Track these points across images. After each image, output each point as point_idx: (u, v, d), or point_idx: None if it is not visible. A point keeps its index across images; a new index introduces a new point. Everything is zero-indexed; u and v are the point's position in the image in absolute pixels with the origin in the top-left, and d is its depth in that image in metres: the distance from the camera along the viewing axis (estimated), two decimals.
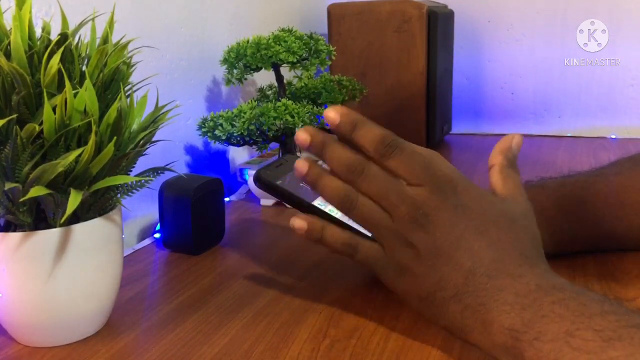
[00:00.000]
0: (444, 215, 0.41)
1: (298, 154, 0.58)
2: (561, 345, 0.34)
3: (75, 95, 0.41)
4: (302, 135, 0.44)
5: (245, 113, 0.77)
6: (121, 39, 0.47)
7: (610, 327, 0.33)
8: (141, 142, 0.47)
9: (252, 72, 0.85)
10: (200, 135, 0.80)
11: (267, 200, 0.83)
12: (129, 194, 0.49)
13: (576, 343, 0.33)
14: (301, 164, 0.44)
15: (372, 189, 0.42)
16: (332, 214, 0.47)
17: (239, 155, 1.02)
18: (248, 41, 0.84)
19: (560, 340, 0.34)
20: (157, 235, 0.71)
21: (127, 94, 0.47)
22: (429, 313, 0.42)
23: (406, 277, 0.42)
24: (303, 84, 0.91)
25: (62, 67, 0.41)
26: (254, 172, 0.81)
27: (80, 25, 0.47)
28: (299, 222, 0.45)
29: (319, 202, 0.48)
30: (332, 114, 0.43)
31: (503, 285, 0.38)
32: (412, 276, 0.41)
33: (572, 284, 0.39)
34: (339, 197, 0.43)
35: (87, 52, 0.47)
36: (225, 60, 0.84)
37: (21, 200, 0.40)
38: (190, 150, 0.89)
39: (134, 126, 0.47)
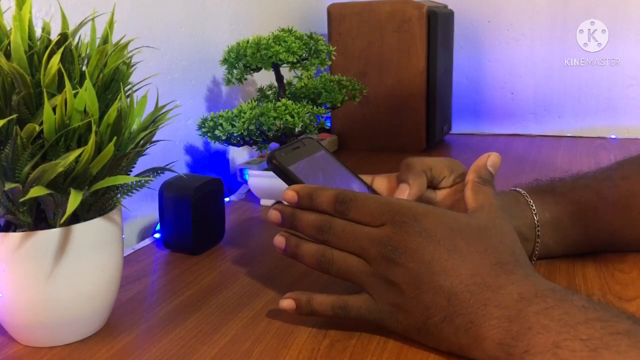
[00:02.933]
0: (411, 245, 0.42)
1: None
2: (550, 358, 0.34)
3: (75, 95, 0.41)
4: (273, 214, 0.47)
5: (245, 113, 0.77)
6: (121, 39, 0.47)
7: (596, 336, 0.34)
8: (141, 142, 0.47)
9: (252, 72, 0.85)
10: (200, 135, 0.80)
11: (267, 200, 0.83)
12: (129, 194, 0.49)
13: (564, 355, 0.34)
14: (279, 240, 0.47)
15: (343, 241, 0.44)
16: None
17: (239, 155, 1.02)
18: (248, 41, 0.84)
19: (548, 353, 0.34)
20: (157, 235, 0.71)
21: (127, 94, 0.47)
22: (430, 342, 0.42)
23: (399, 315, 0.43)
24: (303, 84, 0.91)
25: (62, 67, 0.41)
26: (254, 172, 0.81)
27: (80, 25, 0.47)
28: (286, 302, 0.46)
29: None
30: (289, 194, 0.46)
31: (486, 299, 0.39)
32: (403, 312, 0.42)
33: (554, 287, 0.39)
34: (316, 258, 0.45)
35: (87, 52, 0.47)
36: (225, 60, 0.84)
37: (21, 200, 0.40)
38: (190, 150, 0.89)
39: (134, 126, 0.47)
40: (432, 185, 0.54)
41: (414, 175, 0.52)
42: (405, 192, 0.51)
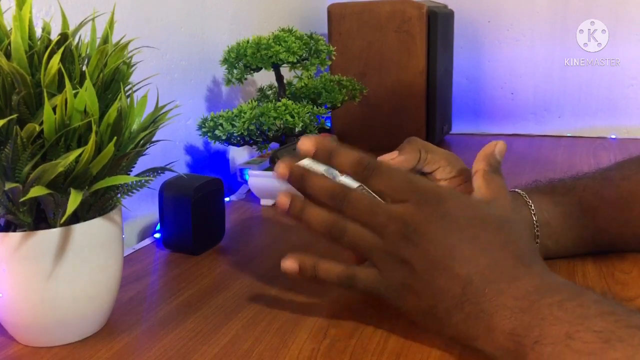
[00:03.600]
0: (433, 227, 0.41)
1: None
2: (562, 348, 0.34)
3: (75, 95, 0.41)
4: (281, 168, 0.44)
5: (245, 113, 0.77)
6: (121, 39, 0.47)
7: (609, 328, 0.33)
8: (141, 142, 0.47)
9: (252, 72, 0.85)
10: (200, 135, 0.80)
11: (267, 200, 0.83)
12: (129, 194, 0.49)
13: (576, 345, 0.33)
14: (283, 199, 0.44)
15: (358, 213, 0.42)
16: None
17: (239, 155, 1.02)
18: (248, 41, 0.84)
19: (560, 343, 0.34)
20: (157, 235, 0.71)
21: (127, 94, 0.47)
22: (434, 326, 0.42)
23: (407, 295, 0.42)
24: (303, 84, 0.91)
25: (62, 67, 0.41)
26: (254, 172, 0.81)
27: (81, 25, 0.47)
28: (288, 263, 0.45)
29: None
30: (306, 143, 0.44)
31: (501, 289, 0.39)
32: (412, 293, 0.41)
33: (569, 283, 0.39)
34: (326, 226, 0.43)
35: (87, 52, 0.47)
36: (225, 60, 0.84)
37: (21, 200, 0.40)
38: (190, 150, 0.89)
39: (134, 126, 0.47)
40: (425, 170, 0.52)
41: (408, 148, 0.51)
42: (391, 156, 0.50)
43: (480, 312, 0.38)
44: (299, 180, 0.44)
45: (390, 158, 0.51)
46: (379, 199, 0.43)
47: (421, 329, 0.43)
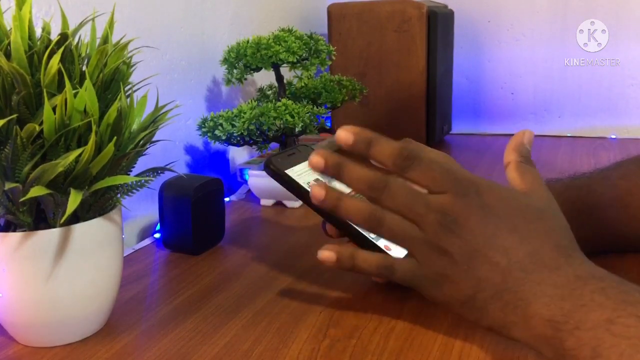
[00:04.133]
0: (473, 217, 0.40)
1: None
2: (602, 333, 0.34)
3: (75, 95, 0.41)
4: (316, 159, 0.43)
5: (245, 113, 0.77)
6: (121, 39, 0.47)
7: None
8: (141, 142, 0.47)
9: (252, 72, 0.85)
10: (200, 135, 0.80)
11: (267, 200, 0.83)
12: (129, 194, 0.49)
13: (617, 330, 0.33)
14: (317, 190, 0.44)
15: (397, 203, 0.42)
16: None
17: (239, 155, 1.02)
18: (248, 41, 0.84)
19: (600, 328, 0.34)
20: (157, 235, 0.71)
21: (127, 94, 0.47)
22: (472, 316, 0.41)
23: (445, 285, 0.41)
24: (303, 84, 0.91)
25: (62, 67, 0.41)
26: (254, 172, 0.81)
27: (81, 25, 0.47)
28: (326, 253, 0.45)
29: None
30: (344, 133, 0.43)
31: (541, 278, 0.38)
32: (450, 283, 0.41)
33: (609, 273, 0.39)
34: (364, 216, 0.43)
35: (87, 52, 0.47)
36: (225, 60, 0.84)
37: (21, 200, 0.40)
38: (190, 150, 0.89)
39: (134, 126, 0.47)
40: None
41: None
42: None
43: (519, 301, 0.38)
44: (336, 168, 0.43)
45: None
46: (419, 189, 0.42)
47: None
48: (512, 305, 0.39)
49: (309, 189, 0.49)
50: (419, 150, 0.43)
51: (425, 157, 0.42)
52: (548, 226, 0.42)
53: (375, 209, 0.42)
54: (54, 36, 0.43)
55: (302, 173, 0.50)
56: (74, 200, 0.39)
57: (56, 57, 0.41)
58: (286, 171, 0.49)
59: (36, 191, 0.39)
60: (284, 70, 0.87)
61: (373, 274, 0.45)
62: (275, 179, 0.50)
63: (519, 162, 0.45)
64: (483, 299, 0.40)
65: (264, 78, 1.00)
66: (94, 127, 0.41)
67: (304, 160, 0.52)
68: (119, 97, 0.44)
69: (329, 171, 0.43)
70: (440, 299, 0.42)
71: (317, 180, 0.50)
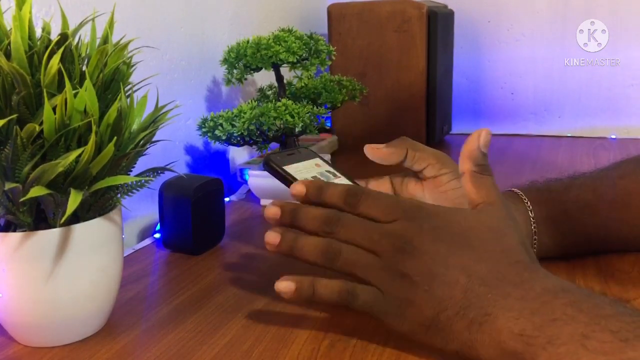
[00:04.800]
0: (426, 239, 0.41)
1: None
2: (577, 348, 0.33)
3: (75, 95, 0.41)
4: (272, 210, 0.44)
5: (245, 113, 0.77)
6: (121, 39, 0.47)
7: (626, 328, 0.33)
8: (141, 142, 0.47)
9: (252, 72, 0.85)
10: (200, 135, 0.80)
11: (267, 201, 0.83)
12: (129, 194, 0.49)
13: (592, 345, 0.33)
14: (272, 236, 0.44)
15: (352, 234, 0.42)
16: None
17: (239, 155, 1.02)
18: (248, 41, 0.84)
19: (575, 343, 0.33)
20: (157, 235, 0.71)
21: (127, 94, 0.47)
22: (438, 342, 0.40)
23: (408, 311, 0.41)
24: (303, 84, 0.91)
25: (62, 67, 0.41)
26: (254, 172, 0.81)
27: (81, 25, 0.47)
28: (284, 284, 0.43)
29: None
30: (298, 187, 0.45)
31: (506, 292, 0.38)
32: (412, 307, 0.40)
33: (577, 286, 0.38)
34: (321, 249, 0.42)
35: (87, 52, 0.47)
36: (225, 60, 0.84)
37: (21, 200, 0.40)
38: (190, 150, 0.89)
39: (134, 126, 0.47)
40: (415, 168, 0.53)
41: (395, 144, 0.52)
42: (378, 146, 0.52)
43: (485, 316, 0.38)
44: (292, 213, 0.44)
45: (377, 148, 0.52)
46: (371, 221, 0.43)
47: (426, 349, 0.42)
48: (477, 322, 0.38)
49: None
50: (363, 188, 0.44)
51: (371, 192, 0.44)
52: (504, 244, 0.41)
53: (331, 242, 0.42)
54: (54, 36, 0.43)
55: (301, 171, 0.51)
56: (74, 200, 0.39)
57: (56, 57, 0.41)
58: (285, 167, 0.50)
59: (36, 191, 0.39)
60: (284, 71, 0.87)
61: (333, 301, 0.42)
62: (273, 175, 0.50)
63: (473, 173, 0.44)
64: (446, 318, 0.39)
65: (264, 78, 1.00)
66: (94, 127, 0.41)
67: (303, 160, 0.52)
68: (119, 97, 0.44)
69: (286, 218, 0.44)
70: (404, 327, 0.41)
71: (314, 178, 0.50)
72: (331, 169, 0.54)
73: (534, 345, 0.35)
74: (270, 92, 0.93)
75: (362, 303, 0.42)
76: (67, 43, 0.43)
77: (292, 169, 0.50)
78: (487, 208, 0.43)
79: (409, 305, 0.40)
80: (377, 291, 0.42)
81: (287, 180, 0.49)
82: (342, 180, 0.53)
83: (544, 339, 0.35)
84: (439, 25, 1.13)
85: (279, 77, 0.87)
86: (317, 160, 0.54)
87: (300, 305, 0.51)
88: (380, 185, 0.55)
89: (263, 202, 0.83)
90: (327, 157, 0.87)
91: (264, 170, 0.50)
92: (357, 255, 0.42)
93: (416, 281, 0.40)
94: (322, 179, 0.51)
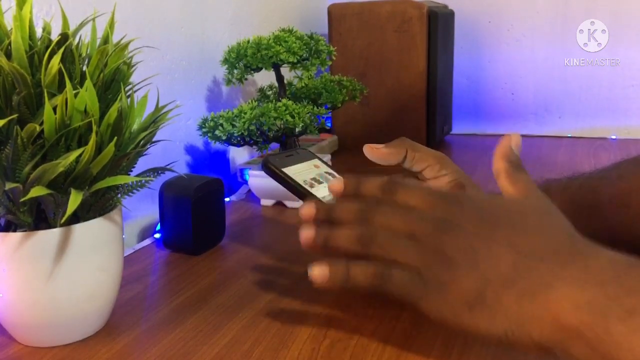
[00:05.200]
0: (468, 218, 0.39)
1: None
2: None
3: (75, 95, 0.41)
4: (308, 207, 0.43)
5: (245, 113, 0.77)
6: (121, 39, 0.47)
7: None
8: (142, 142, 0.47)
9: (252, 72, 0.85)
10: (200, 135, 0.80)
11: (267, 200, 0.83)
12: (129, 194, 0.49)
13: None
14: (306, 231, 0.42)
15: (390, 220, 0.40)
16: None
17: (239, 155, 1.02)
18: (248, 41, 0.84)
19: None
20: (157, 235, 0.71)
21: (127, 94, 0.47)
22: (484, 321, 0.36)
23: (449, 290, 0.37)
24: (303, 84, 0.91)
25: (62, 67, 0.41)
26: (254, 172, 0.81)
27: (81, 25, 0.47)
28: (318, 270, 0.41)
29: (322, 196, 0.49)
30: (336, 182, 0.44)
31: (564, 262, 0.34)
32: (454, 285, 0.37)
33: None
34: (356, 234, 0.41)
35: (88, 52, 0.47)
36: (225, 61, 0.84)
37: (22, 200, 0.40)
38: (190, 150, 0.89)
39: (135, 126, 0.47)
40: (414, 169, 0.53)
41: (394, 144, 0.52)
42: (377, 146, 0.51)
43: (540, 286, 0.34)
44: (326, 210, 0.43)
45: (376, 148, 0.52)
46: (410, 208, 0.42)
47: (471, 335, 0.37)
48: (529, 294, 0.34)
49: (305, 186, 0.49)
50: (402, 179, 0.44)
51: (412, 182, 0.43)
52: (553, 221, 0.39)
53: (365, 228, 0.41)
54: (55, 36, 0.43)
55: (300, 172, 0.51)
56: (74, 200, 0.39)
57: (57, 57, 0.41)
58: (283, 169, 0.50)
59: (36, 191, 0.39)
60: (284, 71, 0.87)
61: (368, 284, 0.40)
62: (272, 177, 0.50)
63: (508, 170, 0.43)
64: (493, 292, 0.35)
65: (264, 78, 1.00)
66: (94, 127, 0.41)
67: (301, 162, 0.52)
68: (119, 97, 0.44)
69: (321, 213, 0.43)
70: (444, 310, 0.38)
71: (314, 179, 0.50)
72: (330, 170, 0.54)
73: (608, 316, 0.31)
74: (270, 92, 0.93)
75: (398, 285, 0.39)
76: (67, 43, 0.43)
77: (291, 170, 0.50)
78: (529, 198, 0.41)
79: (450, 284, 0.37)
80: (414, 274, 0.39)
81: (286, 182, 0.50)
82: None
83: (620, 309, 0.31)
84: (439, 26, 1.13)
85: (280, 77, 0.87)
86: (316, 162, 0.54)
87: (303, 300, 0.51)
88: None
89: (263, 202, 0.83)
90: (327, 157, 0.87)
91: (263, 172, 0.51)
92: (395, 239, 0.40)
93: (457, 258, 0.37)
94: (321, 180, 0.51)
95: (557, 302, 0.33)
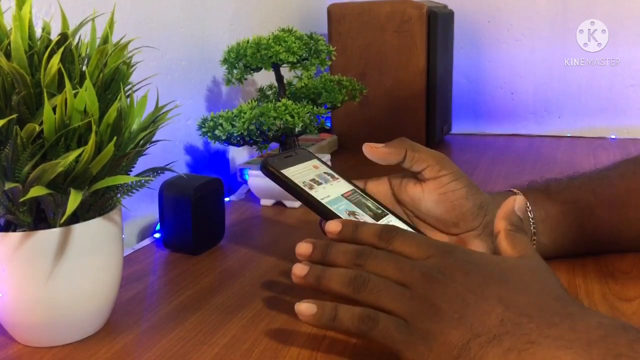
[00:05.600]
0: (460, 271, 0.39)
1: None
2: None
3: (75, 95, 0.41)
4: (303, 246, 0.44)
5: (245, 113, 0.77)
6: (121, 39, 0.47)
7: None
8: (141, 142, 0.47)
9: (252, 72, 0.85)
10: (200, 135, 0.80)
11: (267, 200, 0.83)
12: (129, 194, 0.49)
13: None
14: (299, 267, 0.43)
15: (383, 267, 0.41)
16: (334, 209, 0.48)
17: (239, 155, 1.02)
18: (248, 41, 0.84)
19: None
20: (157, 235, 0.71)
21: (127, 94, 0.47)
22: None
23: (435, 341, 0.37)
24: (303, 84, 0.91)
25: (62, 67, 0.41)
26: (254, 172, 0.81)
27: (81, 25, 0.47)
28: (305, 306, 0.41)
29: (321, 198, 0.49)
30: (333, 224, 0.45)
31: (551, 322, 0.35)
32: (441, 336, 0.37)
33: (629, 323, 0.35)
34: (348, 277, 0.41)
35: (87, 52, 0.47)
36: (225, 61, 0.84)
37: (21, 200, 0.40)
38: (190, 150, 0.89)
39: (134, 126, 0.47)
40: (414, 169, 0.53)
41: (394, 144, 0.52)
42: (377, 145, 0.52)
43: (527, 344, 0.34)
44: (323, 248, 0.43)
45: (375, 147, 0.52)
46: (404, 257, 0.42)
47: None
48: (516, 350, 0.34)
49: (305, 188, 0.49)
50: (398, 227, 0.44)
51: (407, 230, 0.44)
52: (545, 282, 0.39)
53: (359, 272, 0.41)
54: (54, 36, 0.43)
55: (299, 174, 0.51)
56: (74, 200, 0.39)
57: (56, 57, 0.41)
58: (282, 171, 0.50)
59: (36, 191, 0.39)
60: (284, 71, 0.87)
61: (354, 327, 0.39)
62: (272, 179, 0.50)
63: (508, 231, 0.43)
64: (478, 346, 0.35)
65: (264, 78, 1.00)
66: (94, 127, 0.41)
67: (301, 162, 0.52)
68: (119, 97, 0.44)
69: (317, 253, 0.44)
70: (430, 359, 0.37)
71: (313, 180, 0.50)
72: (329, 171, 0.54)
73: None
74: (270, 92, 0.93)
75: (384, 331, 0.38)
76: (67, 43, 0.43)
77: (290, 172, 0.50)
78: (525, 258, 0.42)
79: (437, 334, 0.37)
80: (401, 320, 0.39)
81: (285, 184, 0.49)
82: (340, 181, 0.53)
83: None
84: (439, 25, 1.13)
85: (279, 77, 0.87)
86: (315, 162, 0.54)
87: (304, 297, 0.51)
88: (379, 186, 0.55)
89: (263, 202, 0.83)
90: (327, 157, 0.87)
91: (262, 173, 0.50)
92: (385, 285, 0.40)
93: (445, 308, 0.37)
94: (320, 181, 0.51)
95: None
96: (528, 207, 0.55)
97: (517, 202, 0.45)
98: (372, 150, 0.53)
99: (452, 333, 0.37)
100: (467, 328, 0.36)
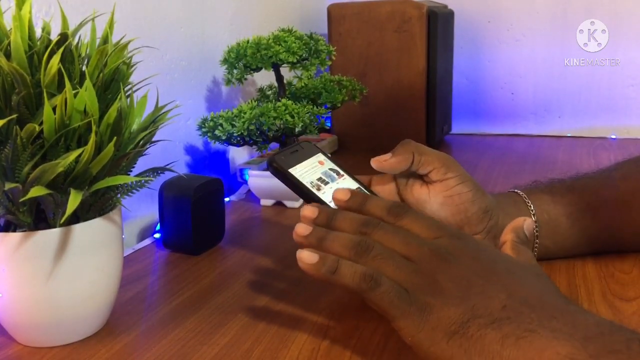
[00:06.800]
0: (469, 254, 0.39)
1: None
2: None
3: (75, 95, 0.41)
4: (309, 208, 0.43)
5: (245, 113, 0.77)
6: (121, 39, 0.47)
7: None
8: (141, 142, 0.47)
9: (252, 72, 0.85)
10: (200, 135, 0.80)
11: (267, 201, 0.83)
12: (129, 194, 0.49)
13: None
14: (302, 226, 0.42)
15: (390, 238, 0.40)
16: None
17: (239, 155, 1.02)
18: (248, 41, 0.84)
19: None
20: (157, 235, 0.71)
21: (127, 94, 0.47)
22: (459, 352, 0.35)
23: (432, 314, 0.37)
24: (303, 84, 0.91)
25: (62, 67, 0.41)
26: (254, 172, 0.81)
27: (81, 25, 0.47)
28: (307, 253, 0.40)
29: (329, 200, 0.49)
30: (341, 192, 0.45)
31: (553, 314, 0.35)
32: (440, 310, 0.37)
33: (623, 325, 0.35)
34: (353, 241, 0.40)
35: (87, 52, 0.47)
36: (225, 61, 0.84)
37: (21, 200, 0.40)
38: (190, 150, 0.89)
39: (134, 126, 0.47)
40: (420, 172, 0.52)
41: (401, 150, 0.51)
42: (384, 157, 0.51)
43: (525, 332, 0.34)
44: (328, 214, 0.43)
45: (384, 160, 0.51)
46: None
47: None
48: (514, 337, 0.34)
49: (313, 189, 0.49)
50: (408, 206, 0.44)
51: (417, 211, 0.43)
52: (548, 283, 0.40)
53: (364, 238, 0.41)
54: (54, 36, 0.43)
55: (305, 172, 0.50)
56: (74, 200, 0.39)
57: (56, 57, 0.41)
58: (289, 170, 0.49)
59: (36, 191, 0.39)
60: (284, 71, 0.87)
61: (354, 284, 0.38)
62: (278, 178, 0.50)
63: (514, 242, 0.44)
64: (477, 327, 0.35)
65: (264, 78, 1.00)
66: (94, 127, 0.41)
67: (307, 158, 0.52)
68: (119, 97, 0.44)
69: (322, 217, 0.43)
70: (420, 333, 0.37)
71: (320, 179, 0.50)
72: (335, 167, 0.53)
73: None
74: (270, 92, 0.93)
75: (384, 293, 0.37)
76: (67, 43, 0.43)
77: (296, 171, 0.50)
78: (529, 265, 0.42)
79: (436, 308, 0.37)
80: (402, 290, 0.38)
81: (293, 184, 0.49)
82: (346, 178, 0.53)
83: None
84: (439, 26, 1.13)
85: (279, 77, 0.87)
86: (320, 157, 0.54)
87: (303, 300, 0.51)
88: (384, 184, 0.55)
89: (263, 202, 0.83)
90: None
91: (269, 171, 0.50)
92: (390, 254, 0.39)
93: (449, 287, 0.37)
94: (327, 180, 0.50)
95: (539, 350, 0.33)
96: (531, 210, 0.55)
97: (527, 223, 0.46)
98: (381, 164, 0.52)
99: (451, 310, 0.37)
100: (468, 307, 0.36)
